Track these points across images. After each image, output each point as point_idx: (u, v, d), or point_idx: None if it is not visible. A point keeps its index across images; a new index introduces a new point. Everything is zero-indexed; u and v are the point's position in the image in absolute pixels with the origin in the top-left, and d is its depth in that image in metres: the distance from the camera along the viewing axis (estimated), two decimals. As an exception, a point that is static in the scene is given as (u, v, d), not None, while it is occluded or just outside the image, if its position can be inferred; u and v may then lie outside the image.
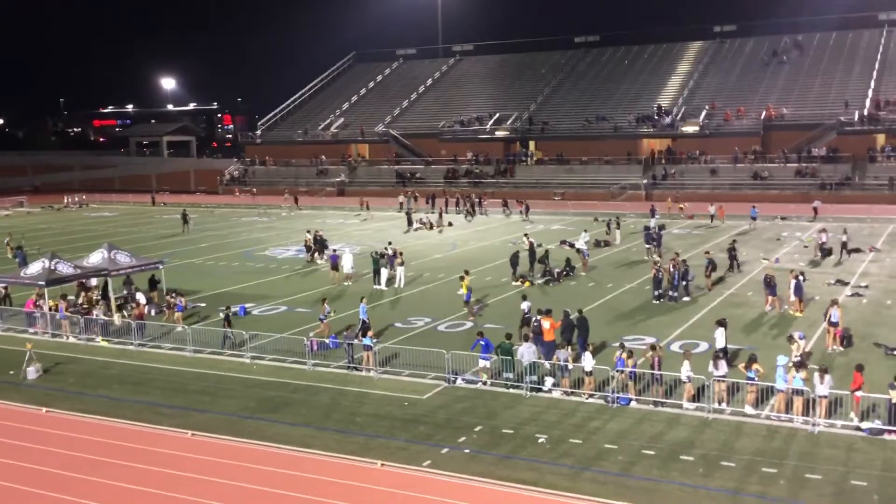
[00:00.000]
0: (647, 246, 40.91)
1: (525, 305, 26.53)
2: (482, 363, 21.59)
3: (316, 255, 41.88)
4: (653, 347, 20.72)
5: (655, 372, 19.77)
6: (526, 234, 41.10)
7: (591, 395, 20.17)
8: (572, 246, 41.39)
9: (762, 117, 74.58)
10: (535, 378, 20.80)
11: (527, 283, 34.56)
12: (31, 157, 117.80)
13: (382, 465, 16.64)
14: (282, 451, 17.56)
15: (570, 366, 20.70)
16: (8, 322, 29.33)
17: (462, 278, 30.49)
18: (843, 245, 38.93)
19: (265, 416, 19.77)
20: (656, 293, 30.81)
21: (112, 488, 15.96)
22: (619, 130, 79.73)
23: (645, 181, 72.80)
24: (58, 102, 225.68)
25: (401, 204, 65.90)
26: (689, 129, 76.31)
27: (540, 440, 17.71)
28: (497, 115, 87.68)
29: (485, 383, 21.40)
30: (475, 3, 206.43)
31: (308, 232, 44.60)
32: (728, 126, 75.70)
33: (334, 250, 39.07)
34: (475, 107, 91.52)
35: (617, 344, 23.26)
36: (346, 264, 36.27)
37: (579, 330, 23.32)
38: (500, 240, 48.53)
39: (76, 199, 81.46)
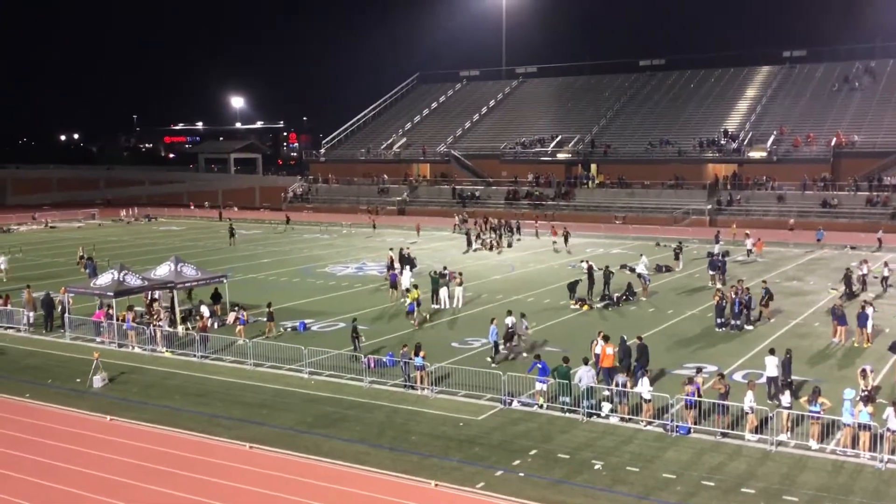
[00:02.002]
0: (711, 273, 40.20)
1: (509, 320, 26.82)
2: (539, 386, 21.43)
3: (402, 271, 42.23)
4: (720, 376, 20.34)
5: (718, 402, 19.34)
6: (584, 261, 40.79)
7: (649, 423, 19.84)
8: (632, 270, 40.92)
9: (832, 144, 72.80)
10: (592, 402, 20.56)
11: (585, 307, 34.25)
12: (104, 171, 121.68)
13: (436, 484, 16.61)
14: (337, 466, 17.66)
15: (629, 391, 20.41)
16: (76, 331, 30.20)
17: (408, 291, 32.87)
18: (885, 279, 37.83)
19: (321, 431, 19.92)
20: (719, 321, 30.21)
21: (170, 497, 16.25)
22: (683, 154, 78.68)
23: (709, 206, 71.64)
24: (131, 119, 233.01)
25: (455, 225, 65.66)
26: (757, 154, 74.89)
27: (596, 466, 17.47)
28: (559, 137, 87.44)
29: (541, 406, 21.22)
30: (540, 25, 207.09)
31: (391, 249, 45.00)
32: (797, 152, 74.07)
33: (392, 269, 39.32)
34: (537, 129, 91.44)
35: (681, 371, 22.84)
36: (405, 282, 36.46)
37: (640, 356, 23.01)
38: (559, 262, 48.23)
39: (134, 213, 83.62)
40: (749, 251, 49.56)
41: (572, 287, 35.43)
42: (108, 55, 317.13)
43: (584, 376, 20.90)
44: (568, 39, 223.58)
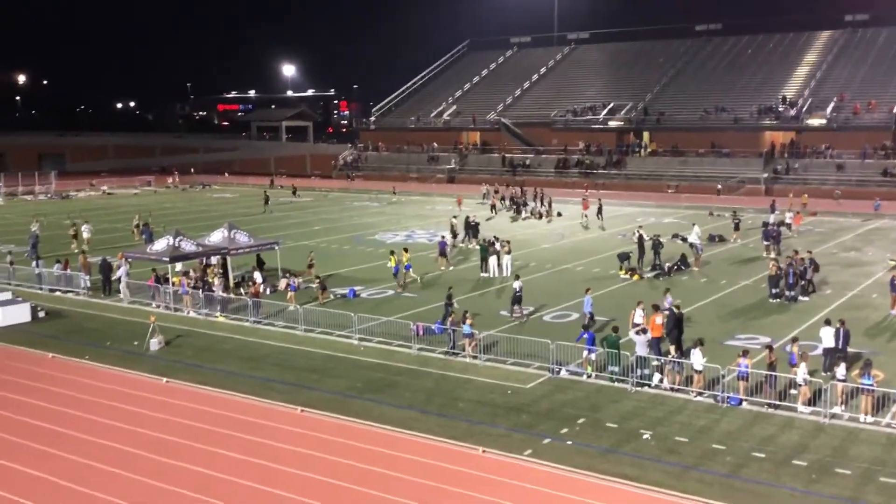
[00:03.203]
0: (766, 243, 39.44)
1: (517, 284, 27.45)
2: (587, 355, 21.37)
3: (467, 239, 42.46)
4: (769, 348, 20.01)
5: (769, 373, 19.08)
6: (639, 227, 40.34)
7: (699, 394, 19.67)
8: (684, 240, 40.38)
9: (894, 111, 70.51)
10: (646, 372, 20.45)
11: (636, 276, 33.94)
12: (160, 139, 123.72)
13: (484, 451, 16.74)
14: (387, 431, 17.90)
15: (681, 361, 20.24)
16: (134, 295, 30.93)
17: (392, 253, 33.67)
18: None
19: (371, 396, 20.18)
20: (773, 291, 29.70)
21: (224, 458, 16.66)
22: (739, 122, 76.99)
23: (765, 175, 70.15)
24: (185, 87, 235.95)
25: (484, 194, 64.39)
26: (815, 121, 72.92)
27: (644, 436, 17.41)
28: (611, 104, 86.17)
29: (589, 376, 21.18)
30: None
31: (454, 217, 45.58)
32: (857, 120, 71.93)
33: (442, 237, 39.38)
34: (589, 96, 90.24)
35: (733, 342, 22.56)
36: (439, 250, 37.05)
37: (673, 327, 22.75)
38: (609, 231, 47.80)
39: (177, 180, 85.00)
40: (788, 224, 46.14)
41: (623, 256, 35.14)
42: (164, 25, 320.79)
43: (638, 342, 20.81)
44: (622, 4, 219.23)
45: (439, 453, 16.73)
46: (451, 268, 36.20)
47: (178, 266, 32.22)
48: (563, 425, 18.09)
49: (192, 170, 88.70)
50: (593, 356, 21.33)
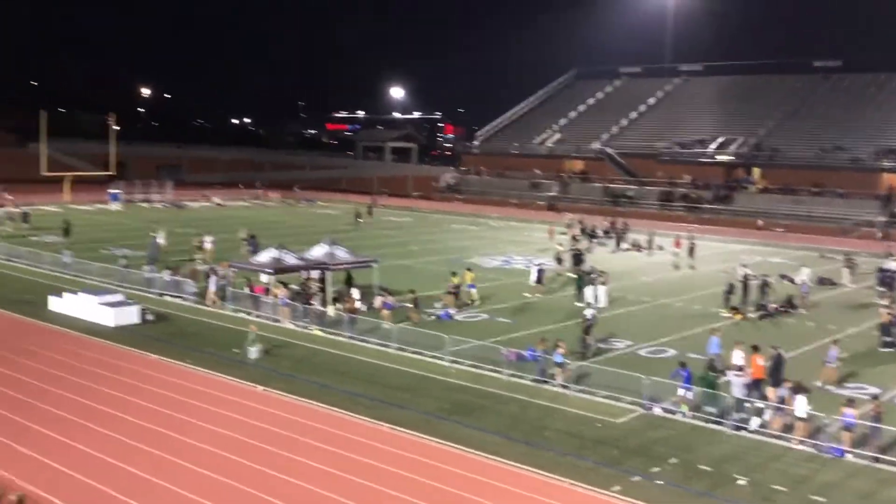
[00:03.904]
0: (880, 289, 37.58)
1: (589, 313, 27.52)
2: (682, 393, 20.76)
3: (566, 264, 42.33)
4: (875, 398, 18.99)
5: (876, 425, 18.08)
6: (745, 265, 39.11)
7: (801, 442, 18.80)
8: (792, 281, 38.87)
9: None
10: (743, 415, 19.71)
11: (738, 316, 32.83)
12: (270, 155, 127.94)
13: (571, 484, 16.43)
14: (473, 455, 17.80)
15: (783, 407, 19.42)
16: (237, 304, 31.90)
17: (454, 274, 34.12)
18: None
19: (459, 418, 20.13)
20: (884, 340, 28.22)
21: (311, 468, 16.89)
22: (857, 162, 73.87)
23: (882, 219, 66.95)
24: (297, 106, 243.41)
25: (567, 224, 60.99)
26: (940, 165, 69.32)
27: (740, 482, 16.74)
28: (721, 138, 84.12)
29: (684, 415, 20.55)
30: (707, 22, 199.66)
31: (560, 245, 45.85)
32: None
33: (539, 264, 39.15)
34: (698, 129, 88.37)
35: (840, 390, 21.54)
36: (532, 277, 36.85)
37: (774, 370, 21.85)
38: (712, 267, 46.50)
39: (263, 192, 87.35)
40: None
41: (728, 294, 34.12)
42: (280, 46, 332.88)
43: (735, 383, 20.12)
44: (737, 37, 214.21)
45: (524, 482, 16.51)
46: (538, 295, 35.85)
47: (265, 277, 33.08)
48: (653, 464, 17.59)
49: (295, 187, 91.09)
50: (689, 395, 20.70)
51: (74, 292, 30.96)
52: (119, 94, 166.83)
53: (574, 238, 52.80)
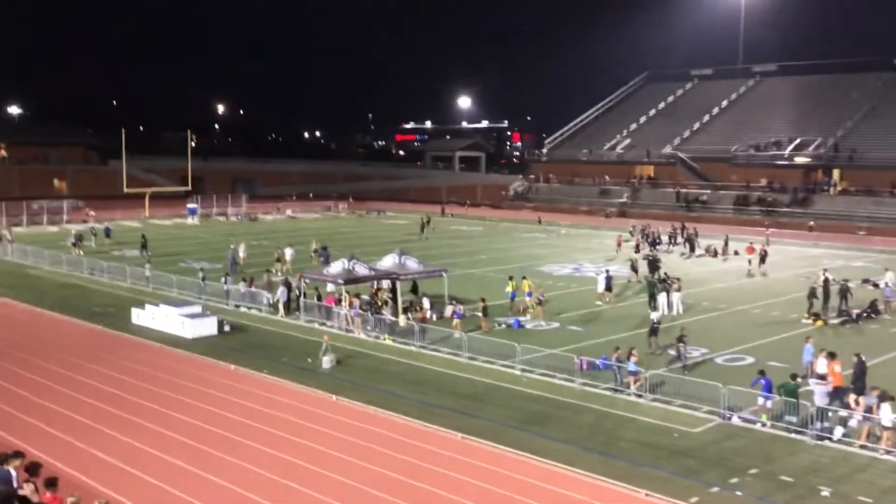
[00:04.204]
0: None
1: (655, 316, 27.86)
2: (762, 402, 20.23)
3: (641, 271, 41.94)
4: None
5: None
6: (824, 270, 37.95)
7: (888, 452, 18.11)
8: (876, 286, 37.52)
9: None
10: (826, 425, 19.09)
11: (819, 322, 31.85)
12: (340, 166, 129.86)
13: (647, 494, 16.16)
14: (546, 465, 17.67)
15: (871, 416, 18.75)
16: (310, 314, 32.40)
17: (511, 278, 34.89)
18: None
19: (531, 428, 20.02)
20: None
21: (385, 477, 17.00)
22: (942, 161, 70.99)
23: (972, 219, 64.15)
24: (366, 118, 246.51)
25: (630, 231, 60.68)
26: None
27: (823, 493, 16.21)
28: (798, 140, 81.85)
29: (764, 424, 20.01)
30: (781, 21, 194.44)
31: (636, 252, 45.73)
32: None
33: (607, 271, 38.72)
34: (773, 131, 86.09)
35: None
36: (600, 287, 36.59)
37: (856, 378, 21.09)
38: (791, 272, 45.25)
39: (341, 205, 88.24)
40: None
41: (811, 299, 33.16)
42: (349, 59, 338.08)
43: (818, 392, 19.51)
44: (812, 36, 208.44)
45: (599, 492, 16.31)
46: (607, 302, 35.41)
47: (330, 287, 33.54)
48: (732, 474, 17.17)
49: (349, 199, 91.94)
50: (769, 404, 20.16)
51: (155, 305, 31.91)
52: (195, 111, 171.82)
53: (637, 246, 52.13)
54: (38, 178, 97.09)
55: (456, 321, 29.64)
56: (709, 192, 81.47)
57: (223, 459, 17.92)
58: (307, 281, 34.28)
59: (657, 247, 53.12)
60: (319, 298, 33.03)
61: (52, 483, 13.18)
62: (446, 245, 57.69)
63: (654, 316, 27.86)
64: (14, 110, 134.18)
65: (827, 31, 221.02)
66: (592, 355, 25.28)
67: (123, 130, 78.32)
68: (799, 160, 79.54)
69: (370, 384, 23.74)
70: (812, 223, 68.15)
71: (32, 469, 13.68)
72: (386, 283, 33.13)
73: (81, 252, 49.18)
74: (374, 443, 18.95)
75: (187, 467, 17.50)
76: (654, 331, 27.35)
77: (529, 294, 33.70)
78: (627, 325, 30.95)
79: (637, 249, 50.65)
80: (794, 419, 19.52)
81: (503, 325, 30.97)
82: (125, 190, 76.92)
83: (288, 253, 44.81)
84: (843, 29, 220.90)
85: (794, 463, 17.81)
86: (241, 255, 45.87)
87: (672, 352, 25.87)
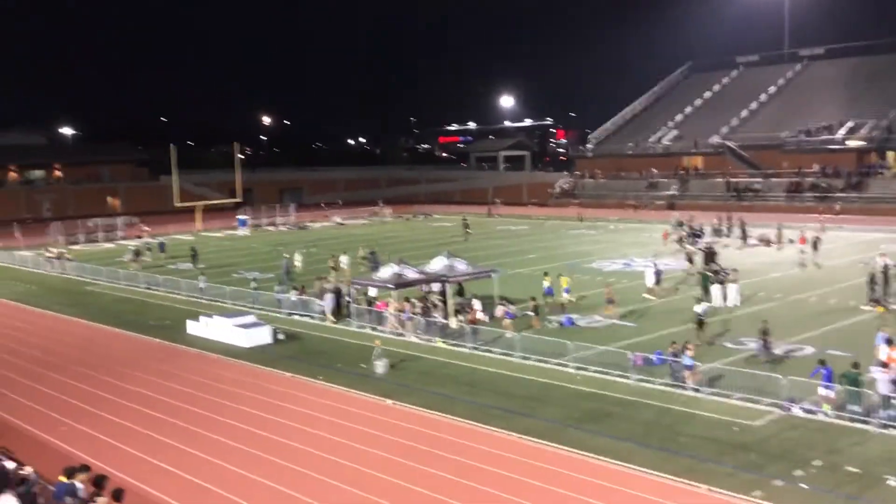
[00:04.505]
0: None
1: (700, 308, 27.30)
2: (823, 392, 19.79)
3: (697, 263, 41.38)
4: None
5: None
6: (883, 254, 37.01)
7: (958, 440, 17.59)
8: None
9: None
10: (891, 413, 18.61)
11: (880, 309, 31.06)
12: (384, 171, 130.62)
13: (709, 489, 15.93)
14: (605, 463, 17.53)
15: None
16: (362, 319, 32.62)
17: (546, 273, 35.71)
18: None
19: (588, 426, 19.88)
20: None
21: (444, 480, 17.04)
22: None
23: None
24: (409, 122, 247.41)
25: (674, 224, 58.42)
26: None
27: (890, 482, 15.81)
28: (850, 123, 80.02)
29: (826, 415, 19.58)
30: (828, 2, 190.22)
31: (679, 244, 45.67)
32: None
33: (655, 264, 38.27)
34: (824, 115, 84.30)
35: None
36: (648, 282, 36.24)
37: None
38: (848, 259, 44.21)
39: (380, 210, 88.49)
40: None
41: (871, 285, 32.39)
42: (390, 64, 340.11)
43: (881, 380, 19.02)
44: (862, 16, 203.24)
45: (660, 489, 16.12)
46: (655, 297, 34.97)
47: (373, 291, 33.68)
48: (796, 467, 16.84)
49: (383, 203, 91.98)
50: (831, 394, 19.72)
51: (210, 316, 32.44)
52: (242, 124, 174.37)
53: (680, 239, 51.40)
54: (92, 196, 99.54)
55: (507, 321, 29.57)
56: (760, 180, 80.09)
57: (284, 467, 18.14)
58: (357, 287, 34.52)
59: (697, 239, 51.98)
60: (369, 304, 33.24)
61: (118, 495, 13.48)
62: (494, 245, 57.59)
63: (699, 308, 27.49)
64: (67, 131, 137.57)
65: (875, 11, 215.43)
66: (646, 350, 25.03)
67: (172, 146, 79.81)
68: (851, 144, 77.77)
69: (424, 387, 23.81)
70: (838, 206, 66.73)
71: (99, 482, 14.02)
72: (436, 286, 33.21)
73: (140, 267, 50.24)
74: (431, 445, 19.00)
75: (249, 475, 17.74)
76: (700, 323, 27.03)
77: (567, 290, 33.70)
78: (682, 318, 30.53)
79: (680, 242, 50.03)
80: (857, 408, 19.07)
81: (555, 324, 30.81)
82: (177, 204, 78.36)
83: (344, 260, 45.17)
84: (891, 8, 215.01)
85: (859, 453, 17.40)
86: (298, 264, 46.45)
87: (755, 345, 25.34)
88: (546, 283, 34.38)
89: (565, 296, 33.64)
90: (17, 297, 42.82)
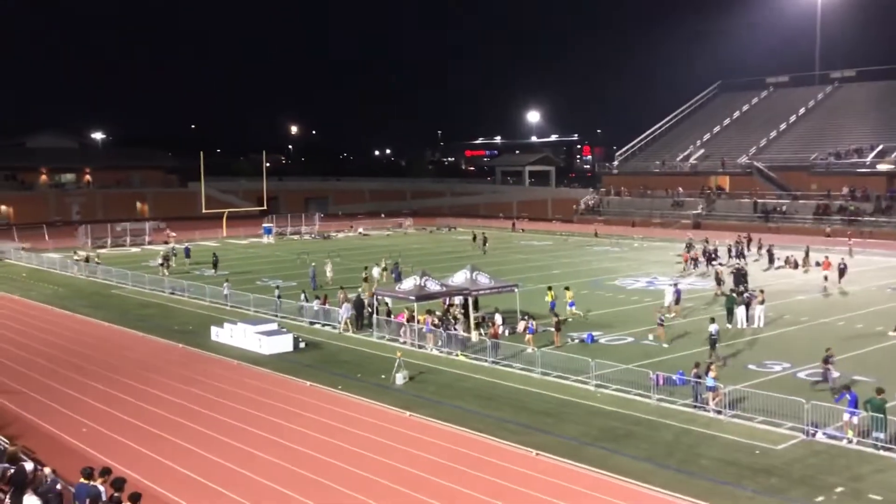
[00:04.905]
0: None
1: (713, 328, 27.45)
2: (847, 418, 19.52)
3: (725, 284, 41.06)
4: None
5: None
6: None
7: (985, 472, 17.26)
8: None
9: None
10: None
11: (908, 335, 30.60)
12: (410, 183, 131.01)
13: (727, 513, 15.74)
14: (623, 482, 17.39)
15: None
16: (383, 331, 32.67)
17: (550, 288, 36.04)
18: None
19: (606, 444, 19.74)
20: None
21: (458, 493, 16.98)
22: None
23: None
24: (436, 135, 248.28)
25: (687, 245, 57.63)
26: None
27: (915, 514, 15.53)
28: (880, 146, 79.12)
29: (850, 441, 19.31)
30: (860, 24, 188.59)
31: (720, 265, 45.97)
32: None
33: (675, 284, 37.98)
34: (854, 137, 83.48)
35: None
36: (667, 301, 35.95)
37: None
38: (876, 283, 43.64)
39: (406, 222, 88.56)
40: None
41: None
42: (418, 78, 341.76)
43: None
44: (894, 39, 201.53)
45: (678, 511, 15.95)
46: (673, 315, 34.68)
47: (389, 301, 33.71)
48: (817, 493, 16.60)
49: (405, 216, 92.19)
50: (856, 420, 19.45)
51: (233, 322, 32.64)
52: (270, 133, 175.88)
53: (696, 260, 51.04)
54: (120, 201, 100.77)
55: (529, 336, 29.48)
56: (788, 201, 79.38)
57: (303, 476, 18.16)
58: (379, 298, 34.59)
59: (713, 262, 50.51)
60: (389, 315, 33.29)
61: (135, 498, 13.54)
62: (517, 260, 57.49)
63: (712, 328, 27.51)
64: (97, 136, 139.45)
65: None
66: (667, 370, 24.83)
67: (202, 153, 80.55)
68: (881, 167, 76.86)
69: (443, 400, 23.77)
70: (829, 229, 66.81)
71: (117, 484, 14.12)
72: (458, 300, 33.20)
73: (167, 272, 50.67)
74: (448, 459, 18.95)
75: (265, 482, 17.78)
76: (713, 342, 27.14)
77: (572, 304, 33.80)
78: (703, 339, 30.26)
79: (695, 264, 49.96)
80: (881, 435, 18.79)
81: (576, 340, 30.67)
82: (204, 211, 79.02)
83: (375, 272, 45.31)
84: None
85: (882, 481, 17.12)
86: (329, 274, 46.61)
87: (819, 374, 24.78)
88: (548, 298, 34.30)
89: (570, 309, 33.58)
90: (45, 299, 43.35)
